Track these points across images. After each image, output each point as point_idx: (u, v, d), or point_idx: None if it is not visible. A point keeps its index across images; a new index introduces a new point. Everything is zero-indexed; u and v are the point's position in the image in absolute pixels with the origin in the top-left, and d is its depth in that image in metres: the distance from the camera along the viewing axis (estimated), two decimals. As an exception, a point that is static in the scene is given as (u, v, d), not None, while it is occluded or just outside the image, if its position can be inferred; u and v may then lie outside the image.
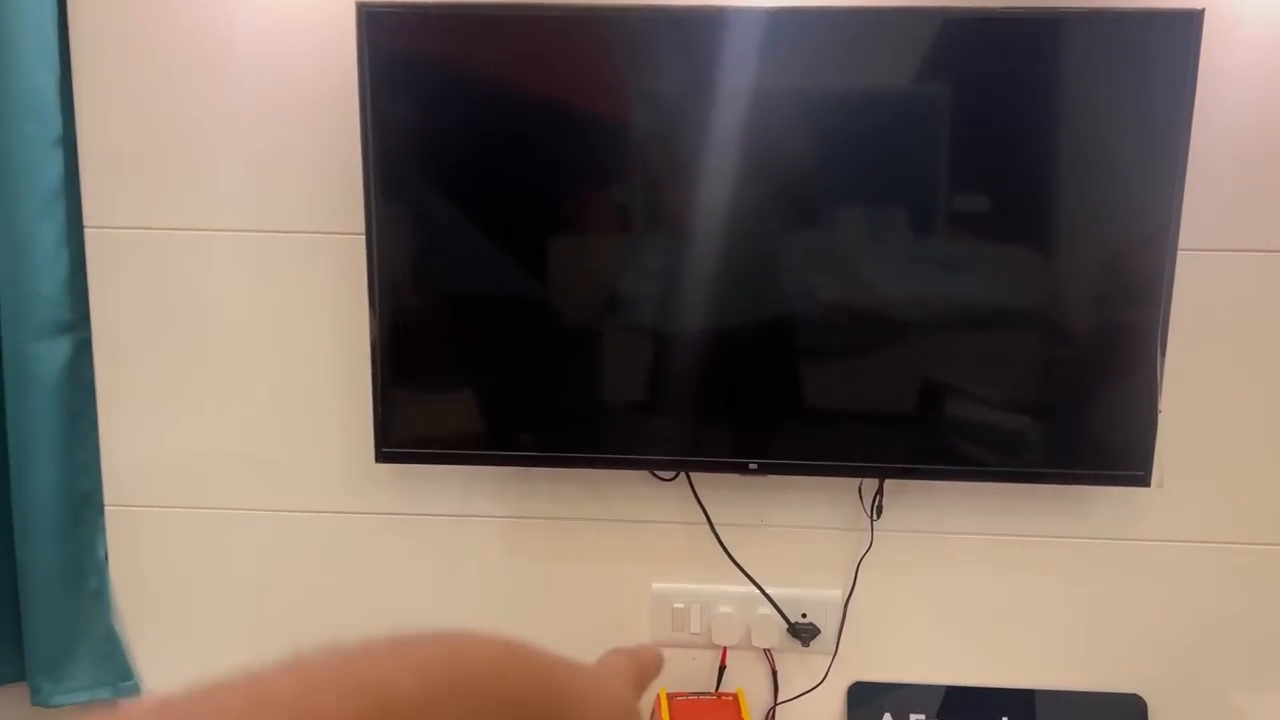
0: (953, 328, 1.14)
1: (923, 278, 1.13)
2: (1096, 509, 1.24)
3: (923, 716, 1.28)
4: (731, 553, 1.27)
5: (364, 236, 1.14)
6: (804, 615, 1.28)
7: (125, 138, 1.22)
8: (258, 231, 1.23)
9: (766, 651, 1.30)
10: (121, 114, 1.22)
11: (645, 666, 0.51)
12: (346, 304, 1.23)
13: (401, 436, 1.19)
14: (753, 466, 1.18)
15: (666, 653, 1.18)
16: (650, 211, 1.14)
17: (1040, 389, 1.16)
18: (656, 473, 1.26)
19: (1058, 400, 1.15)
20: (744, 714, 1.20)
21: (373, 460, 1.19)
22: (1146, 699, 1.27)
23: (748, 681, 1.30)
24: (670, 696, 1.25)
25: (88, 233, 1.24)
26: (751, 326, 1.16)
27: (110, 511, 1.30)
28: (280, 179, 1.22)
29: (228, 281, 1.25)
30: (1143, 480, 1.15)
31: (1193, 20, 1.06)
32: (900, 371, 1.16)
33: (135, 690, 1.33)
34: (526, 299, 1.15)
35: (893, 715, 1.28)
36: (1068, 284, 1.13)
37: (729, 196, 1.11)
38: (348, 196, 1.18)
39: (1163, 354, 1.13)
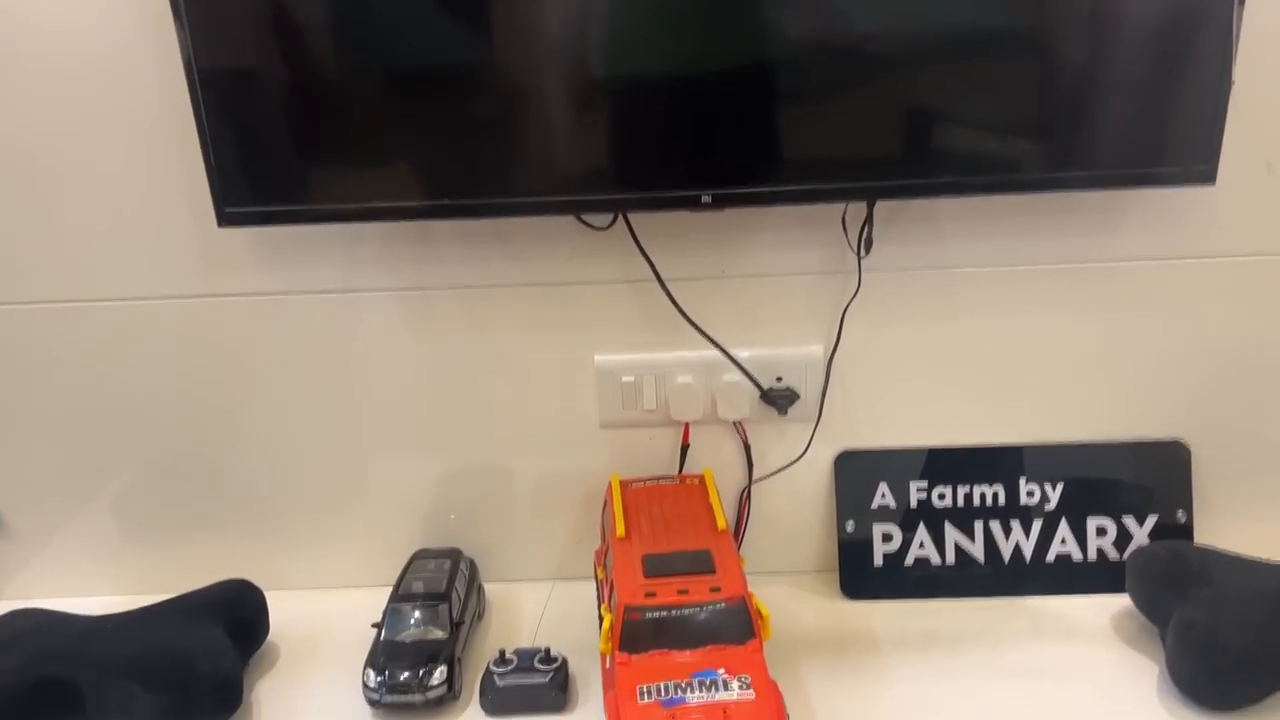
0: (986, 36, 0.85)
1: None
2: (1129, 225, 1.00)
3: (924, 484, 1.08)
4: (687, 312, 1.03)
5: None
6: (779, 379, 1.06)
7: None
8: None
9: (737, 424, 1.08)
10: None
11: None
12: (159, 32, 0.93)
13: (249, 192, 0.92)
14: (706, 199, 0.91)
15: (619, 435, 0.98)
16: None
17: (1069, 74, 0.88)
18: (586, 219, 1.00)
19: (1091, 83, 0.88)
20: (712, 497, 1.00)
21: (219, 229, 0.92)
22: (1190, 445, 1.07)
23: (716, 460, 1.10)
24: (624, 485, 1.05)
25: None
26: (712, 68, 0.87)
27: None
28: None
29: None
30: (1205, 176, 0.90)
31: None
32: (914, 93, 0.88)
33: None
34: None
35: (889, 486, 1.09)
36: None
37: None
38: None
39: (1240, 4, 0.84)
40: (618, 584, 0.89)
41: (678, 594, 0.86)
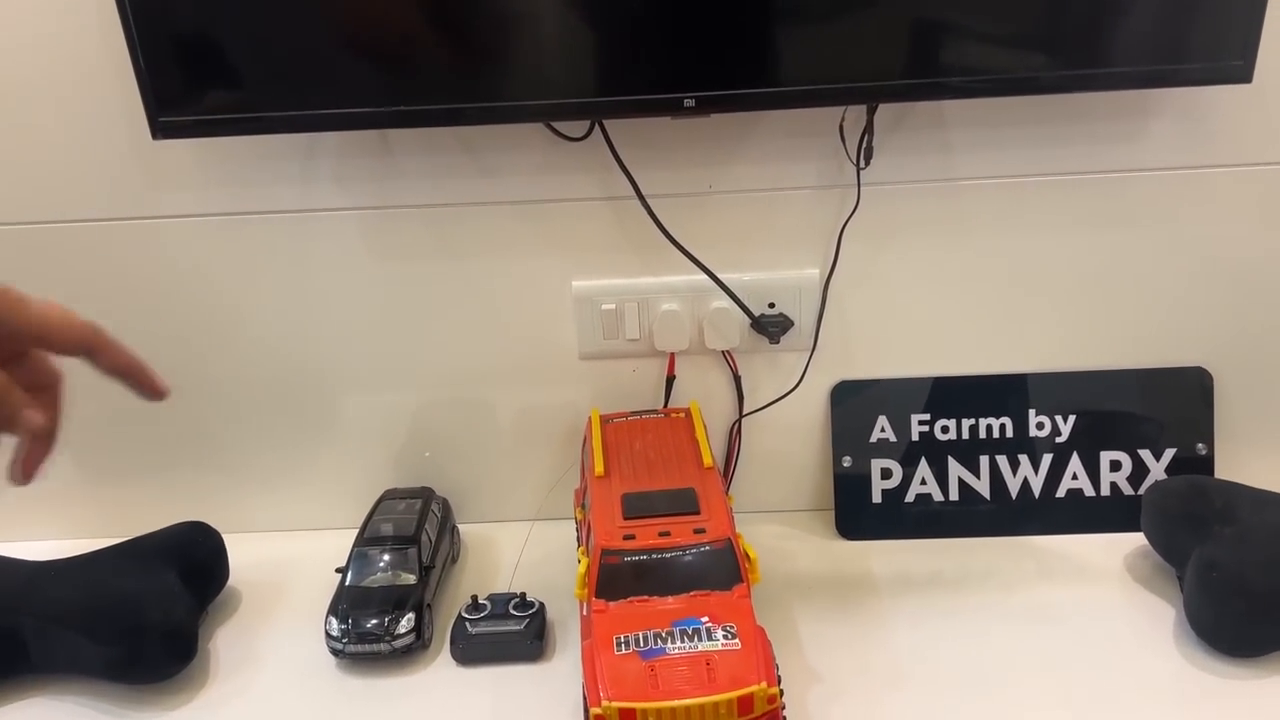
0: None
1: None
2: (1154, 130, 0.91)
3: (926, 416, 1.01)
4: (671, 232, 0.95)
5: None
6: (771, 305, 0.98)
7: None
8: None
9: (726, 355, 1.01)
10: None
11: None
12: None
13: (185, 98, 0.83)
14: (689, 103, 0.83)
15: (600, 366, 0.90)
16: None
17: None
18: (558, 128, 0.91)
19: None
20: (698, 432, 0.93)
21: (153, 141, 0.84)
22: (1212, 372, 1.00)
23: (703, 393, 1.03)
24: (604, 420, 0.98)
25: None
26: None
27: None
28: None
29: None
30: (1241, 73, 0.81)
31: None
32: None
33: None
34: None
35: (888, 419, 1.01)
36: None
37: None
38: None
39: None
40: (595, 525, 0.82)
41: (658, 536, 0.79)
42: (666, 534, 0.79)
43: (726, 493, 0.89)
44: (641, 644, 0.73)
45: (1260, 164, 0.92)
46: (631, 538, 0.79)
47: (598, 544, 0.79)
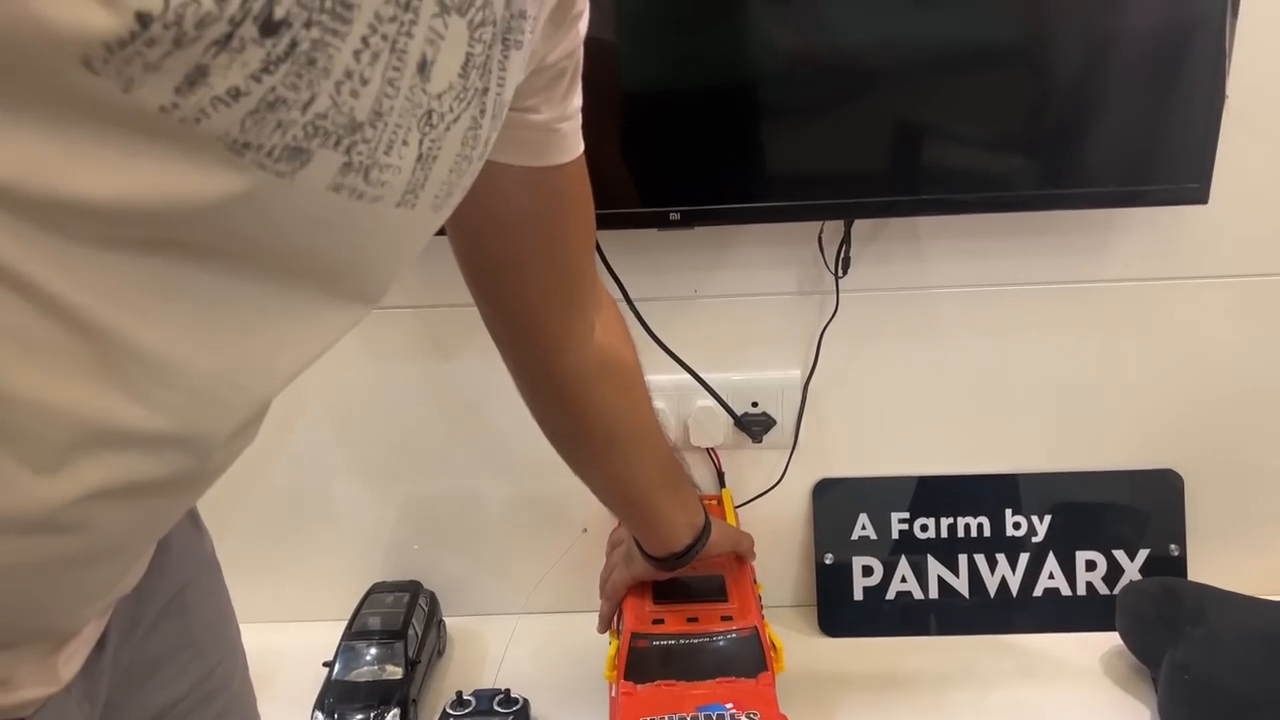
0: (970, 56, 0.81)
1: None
2: (1123, 243, 0.96)
3: (905, 515, 1.04)
4: (657, 334, 0.98)
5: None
6: (754, 405, 1.01)
7: None
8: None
9: (710, 452, 1.04)
10: None
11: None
12: None
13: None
14: (674, 216, 0.87)
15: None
16: None
17: (1058, 90, 0.84)
18: (550, 236, 0.95)
19: (1080, 100, 0.84)
20: (730, 520, 0.98)
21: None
22: (1184, 475, 1.03)
23: (688, 490, 1.05)
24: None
25: None
26: (683, 82, 0.84)
27: None
28: None
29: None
30: (1198, 195, 0.85)
31: None
32: (895, 109, 0.84)
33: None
34: None
35: (869, 517, 1.04)
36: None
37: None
38: None
39: (1234, 13, 0.80)
40: (625, 609, 0.85)
41: (687, 622, 0.83)
42: (695, 620, 0.83)
43: (755, 581, 0.91)
44: None
45: (1219, 277, 0.96)
46: (661, 622, 0.82)
47: (628, 628, 0.82)
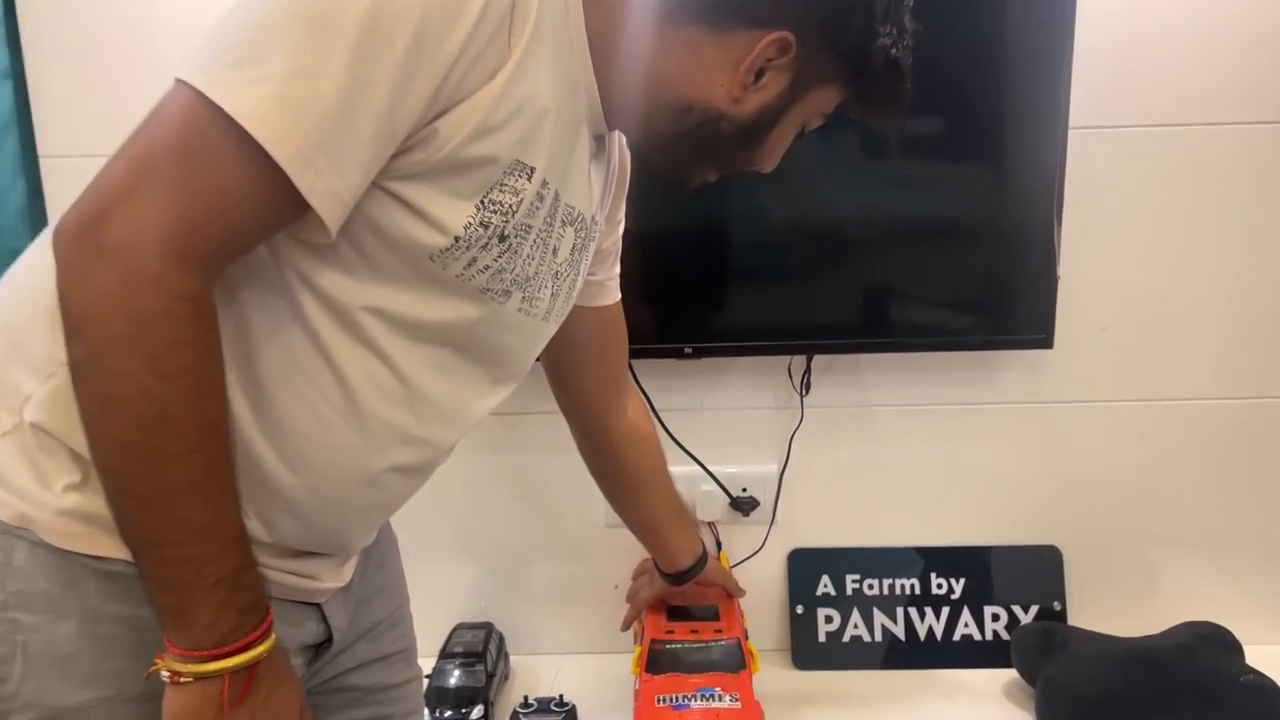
0: (897, 241, 1.25)
1: (873, 195, 1.23)
2: (1006, 375, 1.34)
3: (857, 576, 1.38)
4: (675, 435, 1.36)
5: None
6: (744, 490, 1.38)
7: (74, 66, 1.26)
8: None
9: (711, 524, 1.40)
10: (68, 42, 1.26)
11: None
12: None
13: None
14: (688, 350, 1.26)
15: (620, 532, 1.28)
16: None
17: (971, 283, 1.26)
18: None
19: (981, 286, 1.25)
20: (725, 570, 1.32)
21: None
22: (1062, 549, 1.38)
23: (694, 554, 1.40)
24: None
25: (43, 162, 1.29)
26: (698, 237, 1.26)
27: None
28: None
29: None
30: (1045, 343, 1.25)
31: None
32: (845, 278, 1.27)
33: None
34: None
35: (830, 577, 1.39)
36: (995, 185, 1.22)
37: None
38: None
39: (1059, 224, 1.22)
40: (647, 623, 1.22)
41: (690, 633, 1.19)
42: (696, 632, 1.19)
43: (741, 614, 1.26)
44: (674, 701, 1.09)
45: (1072, 402, 1.34)
46: (672, 633, 1.19)
47: (648, 635, 1.18)
